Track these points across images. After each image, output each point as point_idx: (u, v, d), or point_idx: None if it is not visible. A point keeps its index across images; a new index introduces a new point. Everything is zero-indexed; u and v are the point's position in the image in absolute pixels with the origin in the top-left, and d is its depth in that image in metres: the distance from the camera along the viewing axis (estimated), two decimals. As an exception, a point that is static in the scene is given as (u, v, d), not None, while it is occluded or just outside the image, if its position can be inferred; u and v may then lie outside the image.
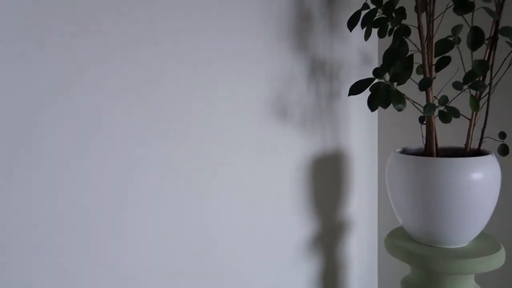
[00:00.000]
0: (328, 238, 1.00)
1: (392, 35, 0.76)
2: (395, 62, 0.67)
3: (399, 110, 0.67)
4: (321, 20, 0.94)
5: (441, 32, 0.95)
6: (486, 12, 0.65)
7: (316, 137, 0.96)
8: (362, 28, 0.76)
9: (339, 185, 1.03)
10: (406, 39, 0.77)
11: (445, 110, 0.67)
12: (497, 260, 0.71)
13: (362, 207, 1.12)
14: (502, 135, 0.73)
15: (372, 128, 1.15)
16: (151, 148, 0.65)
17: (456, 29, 0.78)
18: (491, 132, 0.94)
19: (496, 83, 0.76)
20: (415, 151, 0.84)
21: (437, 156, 0.76)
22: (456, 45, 0.78)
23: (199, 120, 0.72)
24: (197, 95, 0.71)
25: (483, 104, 0.79)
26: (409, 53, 0.98)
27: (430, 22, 0.75)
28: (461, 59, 0.78)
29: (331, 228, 1.01)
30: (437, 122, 1.00)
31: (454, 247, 0.75)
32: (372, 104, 0.67)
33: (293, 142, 0.90)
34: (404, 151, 0.84)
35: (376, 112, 1.17)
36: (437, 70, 0.69)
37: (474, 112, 0.76)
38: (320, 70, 0.96)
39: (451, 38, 0.77)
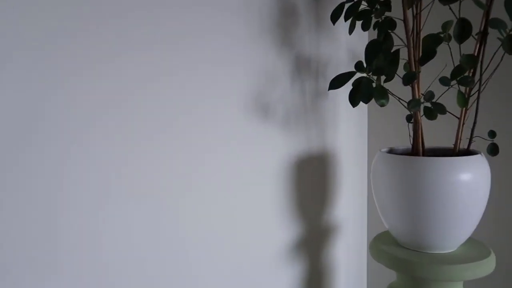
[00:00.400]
0: (314, 242, 0.96)
1: (377, 29, 0.73)
2: (377, 55, 0.63)
3: (382, 105, 0.63)
4: (306, 15, 0.91)
5: (432, 27, 0.91)
6: (474, 3, 0.62)
7: (300, 136, 0.92)
8: (346, 20, 0.73)
9: (325, 186, 0.98)
10: (392, 33, 0.73)
11: (430, 106, 0.63)
12: (487, 266, 0.67)
13: (350, 210, 1.08)
14: (492, 134, 0.69)
15: (361, 128, 1.11)
16: (122, 149, 0.61)
17: (446, 25, 0.75)
18: (482, 131, 0.90)
19: (487, 80, 0.72)
20: (402, 151, 0.80)
21: (423, 155, 0.72)
22: (445, 41, 0.74)
23: (170, 120, 0.68)
24: (167, 91, 0.67)
25: (473, 102, 0.75)
26: (396, 47, 0.95)
27: (416, 14, 0.71)
28: (451, 56, 0.75)
29: (317, 231, 0.97)
30: (426, 122, 0.96)
31: (442, 252, 0.70)
32: (354, 99, 0.63)
33: (275, 141, 0.86)
34: (391, 151, 0.80)
35: (366, 111, 1.13)
36: (421, 64, 0.65)
37: (464, 110, 0.72)
38: (305, 67, 0.92)
39: (442, 35, 0.73)
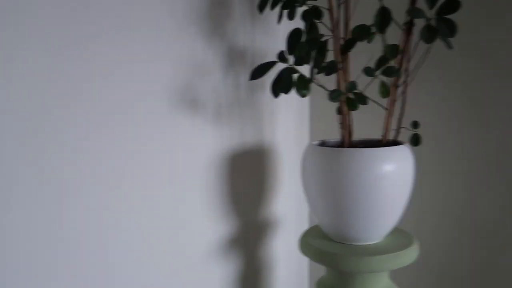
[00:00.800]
0: (250, 238, 0.94)
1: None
2: (299, 45, 0.61)
3: (303, 96, 0.61)
4: (240, 6, 0.88)
5: (366, 18, 0.91)
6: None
7: (234, 130, 0.89)
8: (272, 9, 0.70)
9: (262, 181, 0.97)
10: (321, 23, 0.72)
11: (352, 96, 0.63)
12: (410, 255, 0.67)
13: (290, 205, 1.07)
14: (414, 124, 0.69)
15: (302, 122, 1.10)
16: (27, 149, 0.56)
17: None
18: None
19: (413, 71, 0.72)
20: (332, 144, 0.79)
21: (351, 147, 0.72)
22: (375, 32, 0.74)
23: (85, 114, 0.63)
24: (81, 81, 0.62)
25: (401, 93, 0.75)
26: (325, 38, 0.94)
27: (340, 4, 0.70)
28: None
29: (254, 228, 0.95)
30: (361, 114, 0.96)
31: (368, 243, 0.70)
32: (274, 90, 0.61)
33: (206, 136, 0.83)
34: (323, 144, 0.79)
35: (307, 104, 1.12)
36: (342, 53, 0.64)
37: (391, 101, 0.72)
38: (240, 60, 0.89)
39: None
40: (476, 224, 0.89)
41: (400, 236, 0.73)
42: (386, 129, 0.73)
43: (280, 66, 0.67)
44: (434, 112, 0.91)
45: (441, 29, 0.59)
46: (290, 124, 1.05)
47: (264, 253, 0.98)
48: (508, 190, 0.85)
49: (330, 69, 0.61)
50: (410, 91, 0.90)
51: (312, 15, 0.68)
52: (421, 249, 0.94)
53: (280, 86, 0.60)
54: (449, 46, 0.63)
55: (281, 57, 0.62)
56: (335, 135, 1.05)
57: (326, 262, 0.67)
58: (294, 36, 0.62)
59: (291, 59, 0.66)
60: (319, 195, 0.69)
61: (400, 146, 0.68)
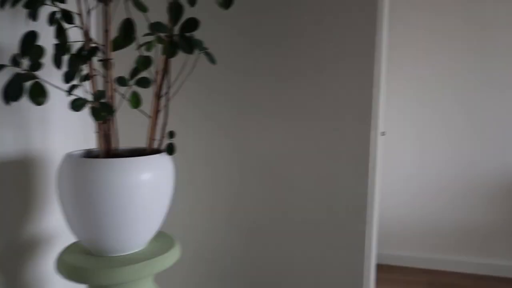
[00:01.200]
0: (13, 257, 0.83)
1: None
2: (32, 49, 0.56)
3: (39, 104, 0.57)
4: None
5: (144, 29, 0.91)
6: (134, 5, 0.62)
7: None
8: (12, 7, 0.63)
9: (27, 196, 0.87)
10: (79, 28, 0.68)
11: (97, 106, 0.61)
12: (170, 259, 0.70)
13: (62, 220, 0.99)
14: (170, 134, 0.73)
15: (85, 130, 1.04)
16: None
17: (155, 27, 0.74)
18: (181, 132, 0.96)
19: (173, 82, 0.76)
20: (96, 153, 0.76)
21: (115, 156, 0.71)
22: (136, 44, 0.74)
23: None
24: None
25: (165, 104, 0.78)
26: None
27: (89, 10, 0.68)
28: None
29: (17, 246, 0.84)
30: (135, 122, 0.96)
31: (128, 253, 0.70)
32: (6, 97, 0.55)
33: None
34: (89, 154, 0.75)
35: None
36: (83, 62, 0.62)
37: (154, 111, 0.73)
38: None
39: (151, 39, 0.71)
40: (241, 223, 0.99)
41: (163, 241, 0.76)
42: (150, 139, 0.75)
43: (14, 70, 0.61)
44: (199, 123, 0.98)
45: (182, 45, 0.63)
46: (69, 133, 0.98)
47: (31, 274, 0.88)
48: (265, 194, 0.98)
49: (67, 77, 0.58)
50: (177, 103, 0.95)
51: (60, 18, 0.64)
52: (191, 250, 1.00)
53: (9, 93, 0.54)
54: (213, 61, 0.68)
55: (14, 61, 0.57)
56: (139, 142, 1.03)
57: (79, 278, 0.64)
58: (28, 39, 0.57)
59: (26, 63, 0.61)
60: (73, 207, 0.66)
61: (157, 155, 0.70)
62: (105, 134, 0.68)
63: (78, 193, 0.65)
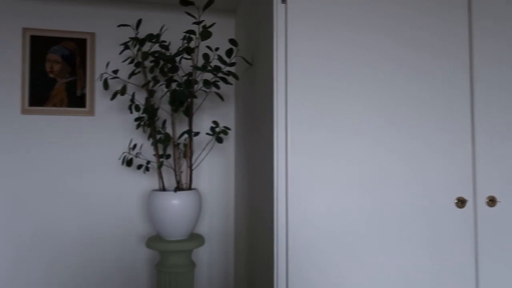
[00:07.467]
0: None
1: None
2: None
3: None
4: None
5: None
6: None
7: None
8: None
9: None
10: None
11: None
12: (197, 243, 1.42)
13: None
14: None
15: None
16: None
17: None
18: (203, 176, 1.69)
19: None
20: (159, 189, 1.54)
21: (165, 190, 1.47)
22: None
23: None
24: None
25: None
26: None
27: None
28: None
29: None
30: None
31: (178, 238, 1.45)
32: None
33: None
34: (158, 190, 1.53)
35: None
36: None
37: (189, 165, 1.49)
38: None
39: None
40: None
41: (195, 236, 1.49)
42: (180, 181, 1.50)
43: None
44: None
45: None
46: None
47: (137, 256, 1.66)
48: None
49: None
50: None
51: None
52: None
53: None
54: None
55: None
56: None
57: (156, 248, 1.40)
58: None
59: None
60: (156, 217, 1.43)
61: (191, 190, 1.45)
62: (160, 177, 1.45)
63: (155, 210, 1.41)
